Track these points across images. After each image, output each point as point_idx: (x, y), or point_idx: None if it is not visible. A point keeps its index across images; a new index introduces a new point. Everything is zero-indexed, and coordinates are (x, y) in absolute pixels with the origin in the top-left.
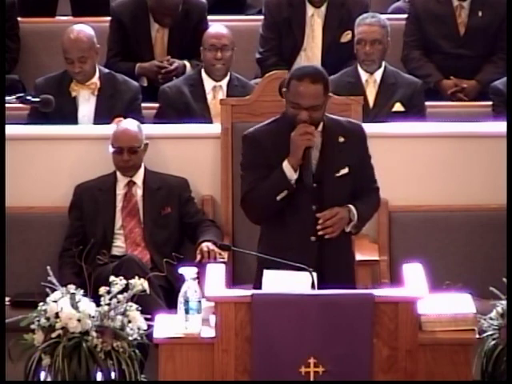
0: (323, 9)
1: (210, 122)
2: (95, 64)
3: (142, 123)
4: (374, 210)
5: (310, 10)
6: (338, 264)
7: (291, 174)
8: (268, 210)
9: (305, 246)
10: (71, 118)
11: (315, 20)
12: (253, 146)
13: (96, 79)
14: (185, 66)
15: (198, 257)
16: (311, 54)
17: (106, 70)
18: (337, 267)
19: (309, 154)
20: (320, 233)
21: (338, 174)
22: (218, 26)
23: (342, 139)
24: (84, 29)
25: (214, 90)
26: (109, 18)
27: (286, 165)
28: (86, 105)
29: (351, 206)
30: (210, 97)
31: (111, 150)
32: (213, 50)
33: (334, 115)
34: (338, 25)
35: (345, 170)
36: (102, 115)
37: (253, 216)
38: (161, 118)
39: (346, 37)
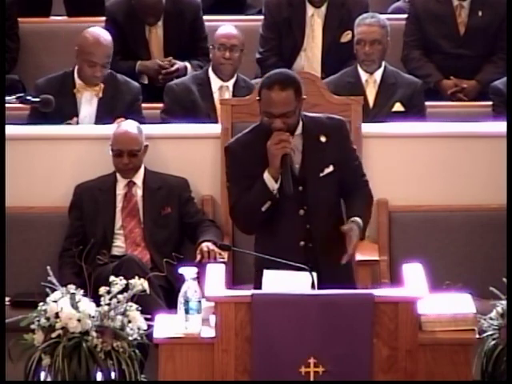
0: (323, 9)
1: (216, 122)
2: None
3: (143, 123)
4: (369, 216)
5: (309, 9)
6: (332, 265)
7: (272, 185)
8: (255, 221)
9: (295, 250)
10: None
11: (315, 20)
12: (234, 158)
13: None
14: (186, 67)
15: (198, 257)
16: (311, 54)
17: (108, 70)
18: (331, 268)
19: (286, 161)
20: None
21: (322, 174)
22: (228, 26)
23: (323, 138)
24: (105, 33)
25: (221, 90)
26: (104, 18)
27: (266, 175)
28: (88, 106)
29: (359, 220)
30: (216, 96)
31: (111, 152)
32: (222, 50)
33: (313, 113)
34: (338, 25)
35: (329, 169)
36: (104, 116)
37: (242, 227)
38: (167, 114)
39: (346, 37)
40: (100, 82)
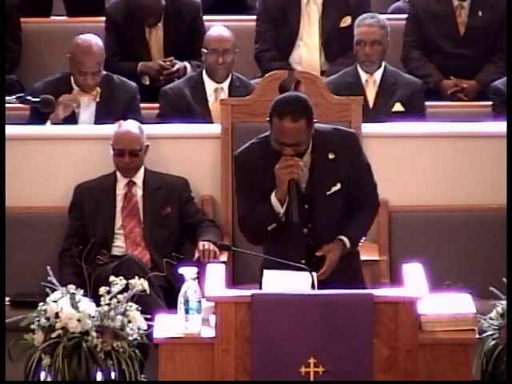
0: None
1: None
2: None
3: (142, 123)
4: (368, 228)
5: None
6: (335, 280)
7: (278, 208)
8: (261, 237)
9: (298, 268)
10: (71, 123)
11: (311, 7)
12: (243, 169)
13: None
14: (185, 67)
15: (196, 255)
16: (310, 41)
17: (104, 72)
18: (337, 284)
19: (293, 187)
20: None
21: (329, 192)
22: (219, 28)
23: (331, 156)
24: (96, 40)
25: (216, 92)
26: (104, 18)
27: (273, 199)
28: (87, 110)
29: (345, 240)
30: (211, 99)
31: (112, 151)
32: (214, 55)
33: (323, 125)
34: (336, 10)
35: (336, 187)
36: (103, 119)
37: (248, 239)
38: (162, 118)
39: (346, 22)
40: (94, 87)
